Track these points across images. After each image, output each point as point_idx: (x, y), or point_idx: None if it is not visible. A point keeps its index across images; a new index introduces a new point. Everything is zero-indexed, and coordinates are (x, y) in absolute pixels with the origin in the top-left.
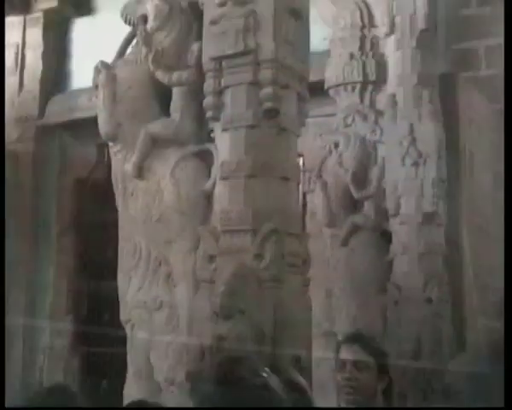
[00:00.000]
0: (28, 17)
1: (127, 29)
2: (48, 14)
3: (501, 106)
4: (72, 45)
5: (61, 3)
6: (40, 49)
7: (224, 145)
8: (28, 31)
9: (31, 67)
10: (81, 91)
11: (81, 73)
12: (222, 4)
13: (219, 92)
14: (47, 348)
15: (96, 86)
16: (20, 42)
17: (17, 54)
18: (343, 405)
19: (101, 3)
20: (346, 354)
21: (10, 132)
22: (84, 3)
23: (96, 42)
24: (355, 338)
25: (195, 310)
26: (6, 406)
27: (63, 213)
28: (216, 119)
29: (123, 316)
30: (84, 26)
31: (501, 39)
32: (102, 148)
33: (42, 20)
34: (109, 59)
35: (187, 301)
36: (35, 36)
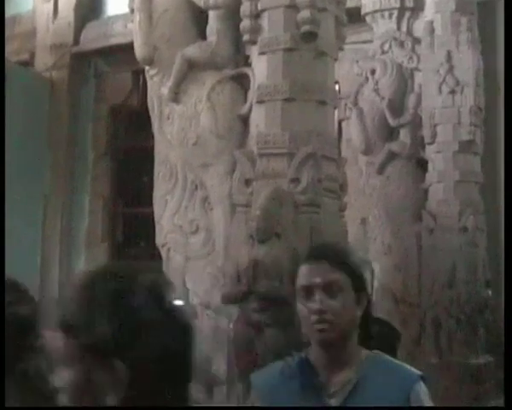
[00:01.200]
0: None
1: None
2: None
3: None
4: None
5: None
6: None
7: (260, 69)
8: None
9: None
10: (116, 17)
11: None
12: None
13: (256, 15)
14: (83, 273)
15: (131, 10)
16: None
17: None
18: (316, 348)
19: None
20: (312, 275)
21: (45, 59)
22: None
23: None
24: (321, 253)
25: (231, 234)
26: (6, 406)
27: (98, 139)
28: (253, 42)
29: (158, 240)
30: None
31: None
32: (137, 75)
33: None
34: None
35: (223, 225)
36: None
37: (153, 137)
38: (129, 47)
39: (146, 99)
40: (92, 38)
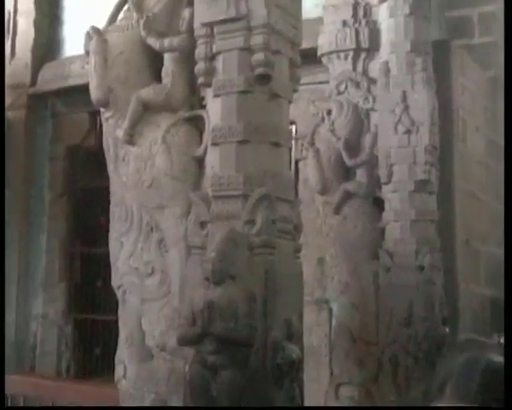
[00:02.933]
0: None
1: None
2: None
3: (493, 73)
4: (65, 12)
5: None
6: (32, 16)
7: (215, 111)
8: None
9: (23, 33)
10: (74, 58)
11: (73, 40)
12: None
13: (211, 58)
14: (40, 314)
15: (87, 52)
16: (12, 8)
17: (9, 20)
18: None
19: None
20: None
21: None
22: None
23: (88, 8)
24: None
25: (187, 275)
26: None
27: (55, 180)
28: (207, 84)
29: (114, 282)
30: None
31: (494, 7)
32: (95, 115)
33: None
34: (101, 25)
35: (179, 267)
36: (27, 2)
37: (109, 177)
38: (86, 88)
39: (103, 140)
40: (49, 78)
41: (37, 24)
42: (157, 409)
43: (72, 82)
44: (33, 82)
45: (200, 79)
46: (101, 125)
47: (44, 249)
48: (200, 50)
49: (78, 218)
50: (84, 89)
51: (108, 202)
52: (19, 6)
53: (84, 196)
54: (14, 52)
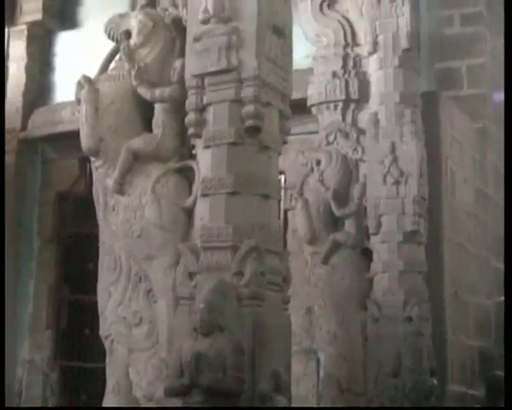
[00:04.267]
0: (12, 29)
1: (111, 44)
2: (32, 27)
3: (482, 124)
4: (56, 58)
5: (46, 17)
6: (23, 62)
7: (205, 162)
8: (12, 43)
9: (14, 79)
10: (64, 104)
11: (64, 87)
12: (205, 21)
13: (201, 109)
14: (26, 360)
15: (78, 101)
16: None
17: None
18: None
19: (85, 18)
20: None
21: None
22: (68, 17)
23: (79, 55)
24: None
25: (175, 326)
26: None
27: (44, 225)
28: (198, 135)
29: (102, 331)
30: (68, 39)
31: (483, 59)
32: (84, 161)
33: (26, 33)
34: (93, 73)
35: (167, 317)
36: (19, 48)
37: (98, 224)
38: (76, 134)
39: (92, 187)
40: (40, 124)
41: (29, 70)
42: (157, 409)
43: (62, 128)
44: (24, 127)
45: (191, 130)
46: (90, 172)
47: (32, 295)
48: (190, 101)
49: (67, 264)
50: (74, 135)
51: (97, 249)
52: (10, 51)
53: (73, 243)
54: (5, 97)
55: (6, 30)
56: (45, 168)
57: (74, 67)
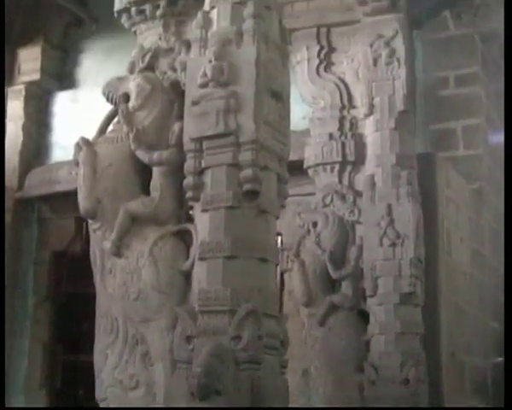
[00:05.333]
0: (10, 89)
1: (108, 104)
2: (30, 86)
3: (478, 185)
4: (54, 118)
5: (44, 77)
6: (21, 121)
7: (203, 225)
8: (10, 103)
9: (11, 138)
10: (61, 164)
11: (61, 147)
12: (203, 85)
13: (199, 173)
14: None
15: (76, 163)
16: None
17: None
18: None
19: (82, 78)
20: None
21: None
22: (66, 78)
23: (76, 116)
24: None
25: (172, 390)
26: None
27: (40, 284)
28: (196, 199)
29: (98, 394)
30: (66, 99)
31: (478, 120)
32: (80, 221)
33: (24, 93)
34: (90, 133)
35: (163, 381)
36: (16, 108)
37: (94, 284)
38: (73, 194)
39: (89, 246)
40: (36, 183)
41: (26, 129)
42: (157, 409)
43: (58, 188)
44: (20, 186)
45: (189, 194)
46: (86, 232)
47: (26, 354)
48: (188, 165)
49: (62, 324)
50: (70, 195)
51: (93, 309)
52: (8, 111)
53: (68, 302)
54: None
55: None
56: (41, 227)
57: (71, 127)
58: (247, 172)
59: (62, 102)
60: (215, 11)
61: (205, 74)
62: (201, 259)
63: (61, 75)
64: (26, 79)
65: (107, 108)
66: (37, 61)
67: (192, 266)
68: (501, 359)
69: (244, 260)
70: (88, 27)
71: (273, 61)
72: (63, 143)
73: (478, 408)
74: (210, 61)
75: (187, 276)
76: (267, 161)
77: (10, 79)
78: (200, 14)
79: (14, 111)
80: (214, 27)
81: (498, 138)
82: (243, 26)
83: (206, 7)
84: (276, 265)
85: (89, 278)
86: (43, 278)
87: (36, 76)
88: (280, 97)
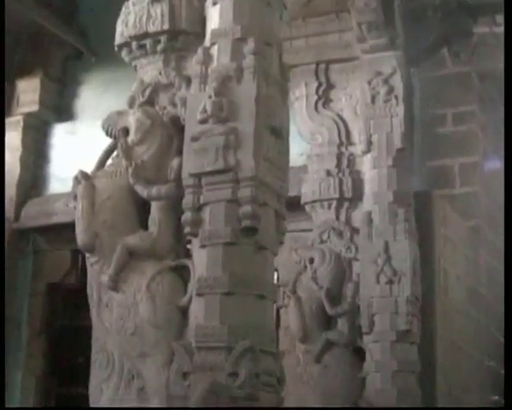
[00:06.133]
0: (8, 120)
1: (106, 137)
2: (28, 118)
3: (474, 223)
4: (51, 150)
5: (42, 108)
6: (18, 153)
7: (201, 261)
8: (8, 133)
9: (8, 169)
10: (58, 196)
11: (58, 179)
12: (203, 121)
13: (198, 208)
14: None
15: (74, 196)
16: None
17: None
18: None
19: (81, 111)
20: None
21: None
22: (64, 110)
23: (74, 148)
24: None
25: None
26: None
27: (35, 317)
28: (194, 234)
29: None
30: (64, 131)
31: (475, 157)
32: (76, 253)
33: (22, 124)
34: (87, 166)
35: None
36: (14, 139)
37: (89, 317)
38: (69, 226)
39: (84, 278)
40: (33, 215)
41: (23, 160)
42: (159, 409)
43: (55, 219)
44: (16, 217)
45: (187, 229)
46: (82, 264)
47: (20, 387)
48: (187, 200)
49: (56, 356)
50: (66, 227)
51: (88, 342)
52: (6, 142)
53: (63, 335)
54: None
55: None
56: (37, 259)
57: (69, 160)
58: (246, 209)
59: (60, 135)
60: (215, 47)
61: (205, 110)
62: (199, 294)
63: (60, 107)
64: (25, 110)
65: (105, 141)
66: (36, 93)
67: (189, 301)
68: (497, 397)
69: (242, 296)
70: (87, 60)
71: (273, 97)
72: (60, 175)
73: (478, 408)
74: (210, 97)
75: (184, 311)
76: (266, 197)
77: (9, 110)
78: (200, 50)
79: (12, 142)
80: (214, 63)
81: (495, 176)
82: (243, 63)
83: (207, 43)
84: (274, 302)
85: (84, 310)
86: (37, 309)
87: (34, 107)
88: (279, 134)
